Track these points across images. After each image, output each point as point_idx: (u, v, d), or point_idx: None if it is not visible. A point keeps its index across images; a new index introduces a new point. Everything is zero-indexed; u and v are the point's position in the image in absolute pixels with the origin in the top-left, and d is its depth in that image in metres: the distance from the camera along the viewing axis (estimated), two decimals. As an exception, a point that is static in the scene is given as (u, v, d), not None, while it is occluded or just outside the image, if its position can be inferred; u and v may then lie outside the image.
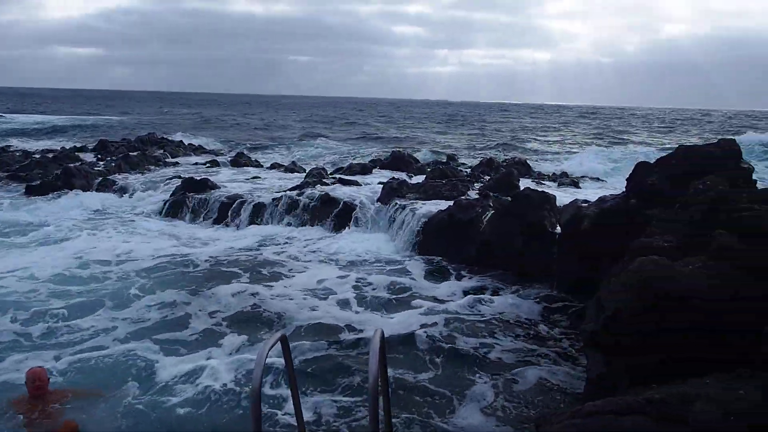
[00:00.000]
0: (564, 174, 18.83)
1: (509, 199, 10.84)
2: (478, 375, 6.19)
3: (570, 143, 36.09)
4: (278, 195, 14.41)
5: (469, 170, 18.78)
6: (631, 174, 7.22)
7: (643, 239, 5.12)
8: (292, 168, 19.99)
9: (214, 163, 21.30)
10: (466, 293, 8.71)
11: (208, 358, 6.41)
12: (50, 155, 21.68)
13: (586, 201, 8.67)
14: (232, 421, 5.30)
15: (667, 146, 29.65)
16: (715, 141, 7.13)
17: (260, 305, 8.08)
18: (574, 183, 17.14)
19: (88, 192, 16.18)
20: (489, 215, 10.48)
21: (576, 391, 5.80)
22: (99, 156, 22.20)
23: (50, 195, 15.77)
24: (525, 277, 9.23)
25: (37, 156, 21.62)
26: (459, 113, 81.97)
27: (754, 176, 6.66)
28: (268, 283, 9.03)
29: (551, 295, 8.55)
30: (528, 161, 21.53)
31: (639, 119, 71.89)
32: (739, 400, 2.82)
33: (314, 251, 11.13)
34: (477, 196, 11.93)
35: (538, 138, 39.79)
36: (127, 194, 16.27)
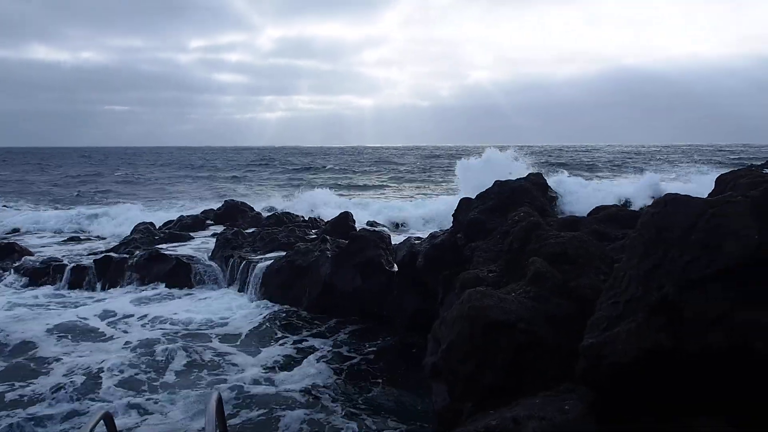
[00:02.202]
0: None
1: (346, 241, 11.01)
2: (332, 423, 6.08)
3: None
4: (99, 256, 13.25)
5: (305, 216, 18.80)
6: (456, 210, 7.72)
7: (469, 271, 5.45)
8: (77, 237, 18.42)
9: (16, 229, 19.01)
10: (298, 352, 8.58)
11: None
12: None
13: (418, 238, 9.08)
14: None
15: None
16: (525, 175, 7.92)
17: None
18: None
19: None
20: (327, 258, 10.55)
21: (422, 421, 5.95)
22: None
23: None
24: (366, 317, 9.36)
25: None
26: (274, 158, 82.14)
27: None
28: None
29: (391, 333, 8.75)
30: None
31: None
32: (564, 413, 3.06)
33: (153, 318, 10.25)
34: (314, 240, 11.97)
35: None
36: None
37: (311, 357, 7.85)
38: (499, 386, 3.93)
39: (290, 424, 5.93)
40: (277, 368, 7.49)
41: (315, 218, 17.28)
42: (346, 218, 14.17)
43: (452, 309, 4.16)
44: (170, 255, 12.92)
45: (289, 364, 7.66)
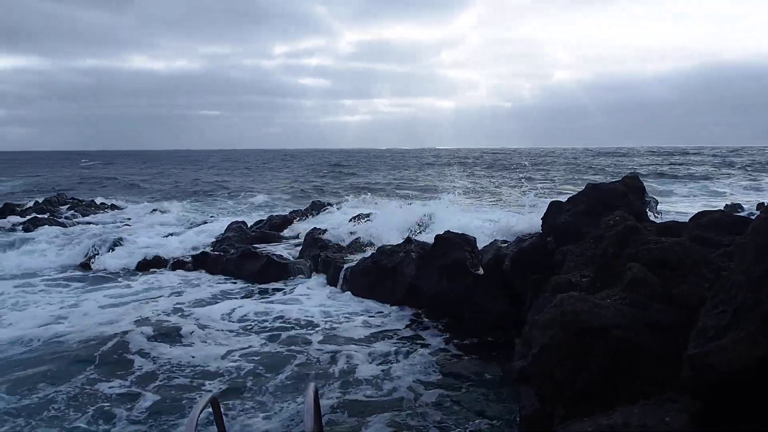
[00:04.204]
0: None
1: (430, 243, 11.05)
2: (406, 414, 6.14)
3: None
4: (196, 252, 14.02)
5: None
6: (545, 213, 7.57)
7: (561, 275, 5.35)
8: (206, 221, 19.55)
9: (128, 221, 20.48)
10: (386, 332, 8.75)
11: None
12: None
13: (505, 241, 8.97)
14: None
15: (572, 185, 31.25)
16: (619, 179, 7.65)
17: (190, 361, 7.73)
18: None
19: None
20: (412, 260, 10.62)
21: (511, 427, 5.88)
22: (5, 220, 20.79)
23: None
24: (450, 318, 9.36)
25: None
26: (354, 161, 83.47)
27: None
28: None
29: (475, 336, 8.70)
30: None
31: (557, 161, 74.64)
32: (665, 423, 2.95)
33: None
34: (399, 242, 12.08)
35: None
36: (39, 253, 15.28)
37: (396, 356, 7.94)
38: (592, 393, 3.84)
39: (375, 422, 6.01)
40: (366, 364, 7.64)
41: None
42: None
43: (544, 313, 4.09)
44: (261, 253, 13.47)
45: (375, 362, 7.79)
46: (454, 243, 10.13)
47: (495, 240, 9.25)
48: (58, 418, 6.22)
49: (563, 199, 8.06)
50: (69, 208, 23.91)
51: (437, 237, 10.58)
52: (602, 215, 5.96)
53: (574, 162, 66.61)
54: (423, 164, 66.46)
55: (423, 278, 10.07)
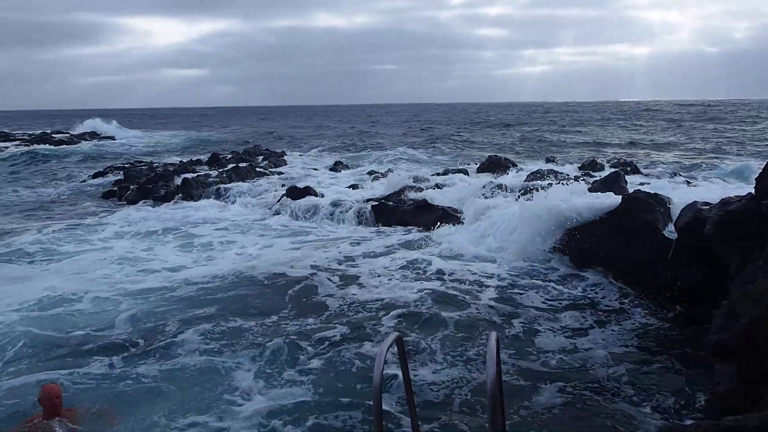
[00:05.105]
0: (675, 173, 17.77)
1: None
2: (593, 382, 5.93)
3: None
4: (375, 203, 14.66)
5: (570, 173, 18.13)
6: (761, 173, 6.65)
7: (779, 242, 4.71)
8: (388, 173, 20.21)
9: (314, 171, 22.01)
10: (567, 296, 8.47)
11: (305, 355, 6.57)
12: (171, 168, 23.30)
13: (706, 203, 8.09)
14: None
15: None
16: None
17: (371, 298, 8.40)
18: (687, 182, 16.08)
19: (203, 201, 17.29)
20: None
21: (694, 404, 5.43)
22: (212, 168, 23.56)
23: (173, 204, 16.94)
24: (638, 285, 8.75)
25: (160, 169, 23.33)
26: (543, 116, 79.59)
27: None
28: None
29: (665, 302, 8.06)
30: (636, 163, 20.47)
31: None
32: None
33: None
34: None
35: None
36: (238, 202, 17.14)
37: (578, 322, 7.67)
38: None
39: (547, 388, 5.89)
40: (546, 327, 7.52)
41: (578, 176, 16.55)
42: (617, 176, 13.41)
43: (758, 283, 3.63)
44: (437, 205, 13.72)
45: (554, 325, 7.60)
46: (644, 203, 9.39)
47: (694, 201, 8.36)
48: (252, 345, 6.93)
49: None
50: (263, 159, 26.24)
51: (625, 196, 9.88)
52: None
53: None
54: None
55: (611, 242, 9.47)
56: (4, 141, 42.28)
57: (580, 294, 8.76)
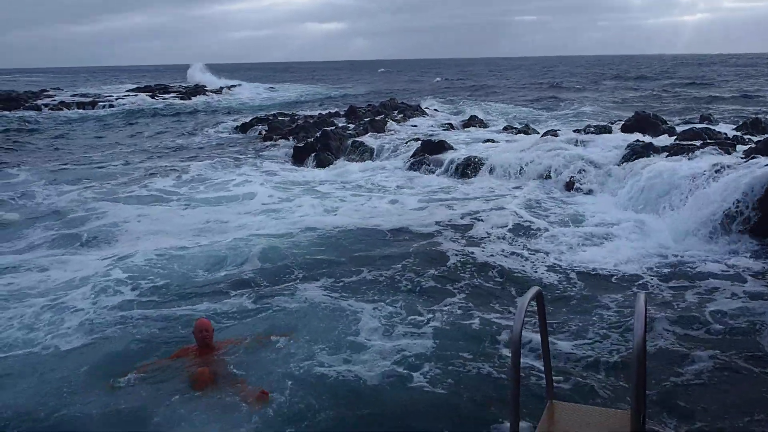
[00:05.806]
0: None
1: None
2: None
3: None
4: (511, 159, 14.45)
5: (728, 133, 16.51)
6: None
7: None
8: (525, 131, 19.67)
9: (449, 126, 21.97)
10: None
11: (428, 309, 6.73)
12: (311, 120, 24.40)
13: None
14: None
15: None
16: None
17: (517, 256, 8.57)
18: None
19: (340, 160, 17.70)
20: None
21: None
22: (349, 120, 24.32)
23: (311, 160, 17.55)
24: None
25: (301, 121, 24.53)
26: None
27: None
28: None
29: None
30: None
31: None
32: None
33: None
34: (741, 161, 10.51)
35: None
36: (377, 156, 17.54)
37: (718, 291, 7.22)
38: None
39: (701, 355, 5.62)
40: (690, 296, 7.19)
41: (738, 137, 15.00)
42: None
43: None
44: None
45: (696, 292, 7.23)
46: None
47: None
48: (377, 296, 7.15)
49: None
50: (399, 112, 26.52)
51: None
52: None
53: None
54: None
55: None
56: (164, 93, 46.49)
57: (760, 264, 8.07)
